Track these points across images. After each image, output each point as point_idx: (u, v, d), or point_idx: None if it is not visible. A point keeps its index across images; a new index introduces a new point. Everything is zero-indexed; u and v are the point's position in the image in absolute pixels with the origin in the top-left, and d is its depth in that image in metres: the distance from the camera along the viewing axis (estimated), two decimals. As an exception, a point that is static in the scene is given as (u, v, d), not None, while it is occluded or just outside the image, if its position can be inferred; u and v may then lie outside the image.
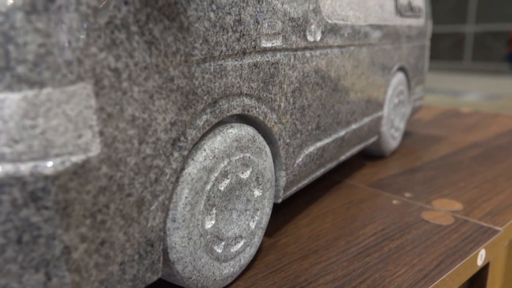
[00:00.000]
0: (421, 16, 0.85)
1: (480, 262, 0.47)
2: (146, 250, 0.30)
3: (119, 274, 0.28)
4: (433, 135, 0.97)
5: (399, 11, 0.73)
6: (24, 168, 0.23)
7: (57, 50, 0.23)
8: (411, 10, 0.79)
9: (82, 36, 0.24)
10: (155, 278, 0.32)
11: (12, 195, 0.23)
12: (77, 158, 0.24)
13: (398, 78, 0.77)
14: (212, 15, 0.33)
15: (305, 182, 0.52)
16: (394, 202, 0.59)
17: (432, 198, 0.61)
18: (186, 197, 0.33)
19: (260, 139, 0.41)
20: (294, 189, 0.49)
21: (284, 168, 0.46)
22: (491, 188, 0.64)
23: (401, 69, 0.79)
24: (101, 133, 0.26)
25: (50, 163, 0.23)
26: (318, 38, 0.48)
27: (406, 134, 0.97)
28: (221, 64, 0.34)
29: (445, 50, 7.82)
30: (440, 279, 0.41)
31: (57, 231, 0.24)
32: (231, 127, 0.37)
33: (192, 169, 0.33)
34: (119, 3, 0.26)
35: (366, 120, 0.66)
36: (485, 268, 0.52)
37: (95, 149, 0.25)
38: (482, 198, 0.60)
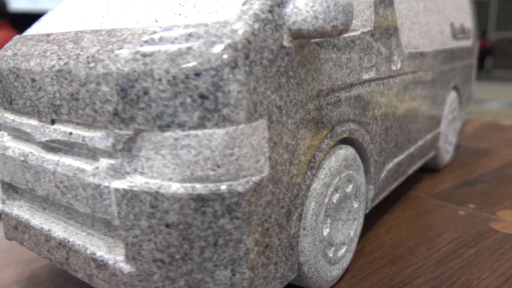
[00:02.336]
0: (470, 37, 0.90)
1: (551, 267, 0.52)
2: (289, 253, 0.36)
3: (274, 272, 0.35)
4: (480, 148, 1.02)
5: (454, 35, 0.78)
6: (223, 187, 0.29)
7: (249, 95, 0.29)
8: (463, 32, 0.84)
9: (263, 83, 0.30)
10: (293, 276, 0.38)
11: (214, 208, 0.29)
12: (256, 179, 0.31)
13: (452, 96, 0.83)
14: (334, 56, 0.39)
15: (384, 194, 0.57)
16: (460, 212, 0.64)
17: (496, 209, 0.65)
18: (313, 209, 0.39)
19: (358, 157, 0.47)
20: (376, 201, 0.55)
21: (373, 182, 0.51)
22: (549, 200, 0.69)
23: (455, 87, 0.84)
24: (269, 158, 0.32)
25: (240, 183, 0.30)
26: (399, 66, 0.54)
27: (455, 148, 1.02)
28: (338, 96, 0.41)
29: (468, 59, 7.72)
30: (521, 282, 0.46)
31: (242, 236, 0.30)
32: (340, 148, 0.43)
33: (317, 185, 0.39)
34: (284, 54, 0.32)
35: (428, 136, 0.71)
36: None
37: (266, 171, 0.32)
38: (542, 209, 0.65)
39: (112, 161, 0.31)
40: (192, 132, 0.29)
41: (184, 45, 0.29)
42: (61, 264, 0.38)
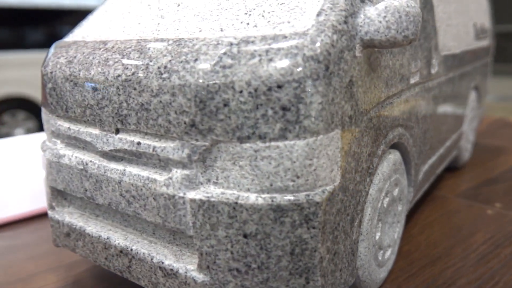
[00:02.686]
0: (488, 36, 0.91)
1: None
2: (351, 258, 0.37)
3: (339, 278, 0.35)
4: (494, 145, 1.03)
5: (477, 35, 0.79)
6: (301, 197, 0.30)
7: (328, 106, 0.30)
8: (483, 32, 0.85)
9: (339, 93, 0.31)
10: (352, 281, 0.38)
11: (293, 218, 0.30)
12: (330, 188, 0.31)
13: (473, 95, 0.83)
14: (390, 63, 0.39)
15: (418, 196, 0.58)
16: (489, 212, 0.65)
17: (522, 208, 0.67)
18: (369, 214, 0.39)
19: (402, 161, 0.47)
20: (413, 202, 0.56)
21: (412, 184, 0.52)
22: None
23: (475, 87, 0.85)
24: (340, 167, 0.32)
25: (317, 193, 0.30)
26: (436, 69, 0.54)
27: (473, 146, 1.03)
28: (391, 102, 0.41)
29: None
30: (561, 282, 0.47)
31: (317, 245, 0.31)
32: (390, 153, 0.44)
33: (372, 190, 0.40)
34: (355, 64, 0.32)
35: (454, 136, 0.72)
36: None
37: (337, 180, 0.32)
38: None
39: (186, 172, 0.31)
40: (273, 143, 0.29)
41: (265, 57, 0.29)
42: (121, 272, 0.38)
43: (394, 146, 0.47)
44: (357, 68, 0.33)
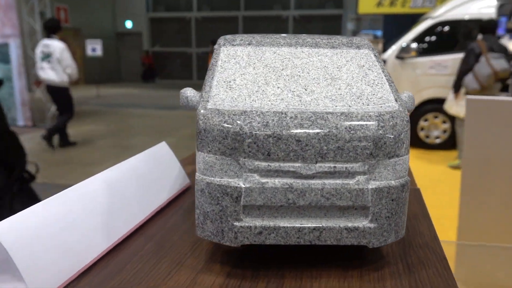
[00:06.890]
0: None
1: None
2: (394, 208, 0.79)
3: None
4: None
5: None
6: (408, 179, 0.70)
7: (408, 138, 0.71)
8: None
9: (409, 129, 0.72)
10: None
11: (405, 188, 0.69)
12: (407, 178, 0.72)
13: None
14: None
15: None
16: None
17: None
18: (386, 188, 0.82)
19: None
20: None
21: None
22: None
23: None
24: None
25: (407, 179, 0.71)
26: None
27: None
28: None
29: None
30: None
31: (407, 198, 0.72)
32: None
33: (384, 177, 0.83)
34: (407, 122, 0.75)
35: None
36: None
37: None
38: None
39: (366, 176, 0.66)
40: (401, 157, 0.68)
41: (394, 121, 0.68)
42: (311, 241, 0.67)
43: None
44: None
